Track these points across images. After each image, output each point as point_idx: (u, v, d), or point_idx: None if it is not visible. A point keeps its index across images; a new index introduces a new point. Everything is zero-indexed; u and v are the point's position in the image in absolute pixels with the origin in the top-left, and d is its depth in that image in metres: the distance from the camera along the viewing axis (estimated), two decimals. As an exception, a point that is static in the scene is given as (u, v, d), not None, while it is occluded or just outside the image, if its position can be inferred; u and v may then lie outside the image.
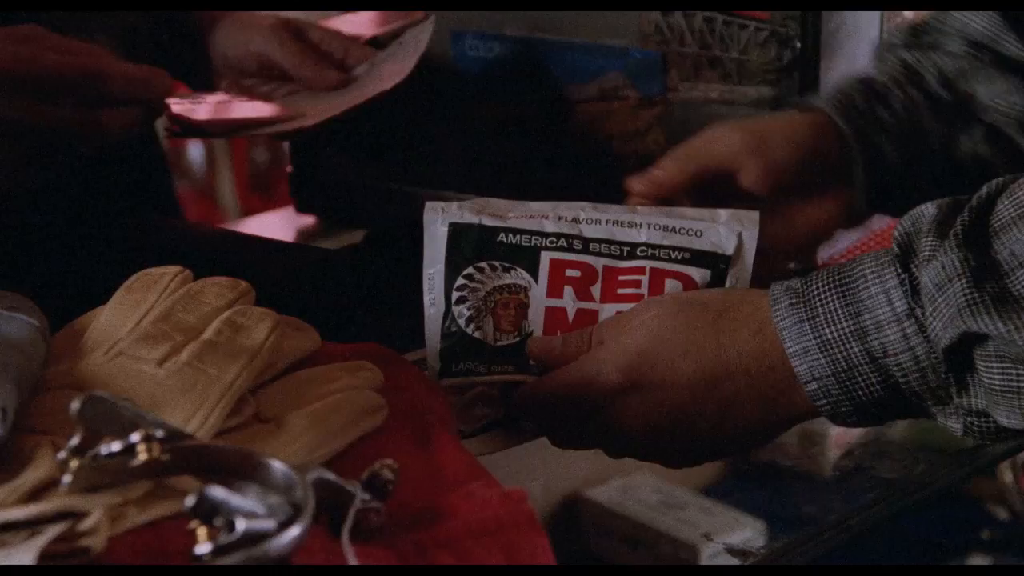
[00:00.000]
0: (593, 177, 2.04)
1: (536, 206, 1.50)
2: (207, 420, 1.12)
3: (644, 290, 1.42)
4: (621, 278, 1.44)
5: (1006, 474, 2.60)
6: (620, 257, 1.45)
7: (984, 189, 1.28)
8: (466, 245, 1.46)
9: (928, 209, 1.30)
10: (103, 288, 1.33)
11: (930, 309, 1.21)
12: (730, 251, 1.43)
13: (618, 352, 1.34)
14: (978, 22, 1.80)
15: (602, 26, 2.01)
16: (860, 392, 1.26)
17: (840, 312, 1.27)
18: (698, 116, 2.00)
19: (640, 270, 1.43)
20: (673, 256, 1.43)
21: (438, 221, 1.47)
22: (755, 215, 1.45)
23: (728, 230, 1.44)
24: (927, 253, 1.24)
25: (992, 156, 1.70)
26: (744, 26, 1.93)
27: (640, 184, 1.64)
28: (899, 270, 1.23)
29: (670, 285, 1.42)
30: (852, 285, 1.27)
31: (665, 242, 1.42)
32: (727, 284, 1.43)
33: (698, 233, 1.44)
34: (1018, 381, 1.21)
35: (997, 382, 1.21)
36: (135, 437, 1.02)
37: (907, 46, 1.78)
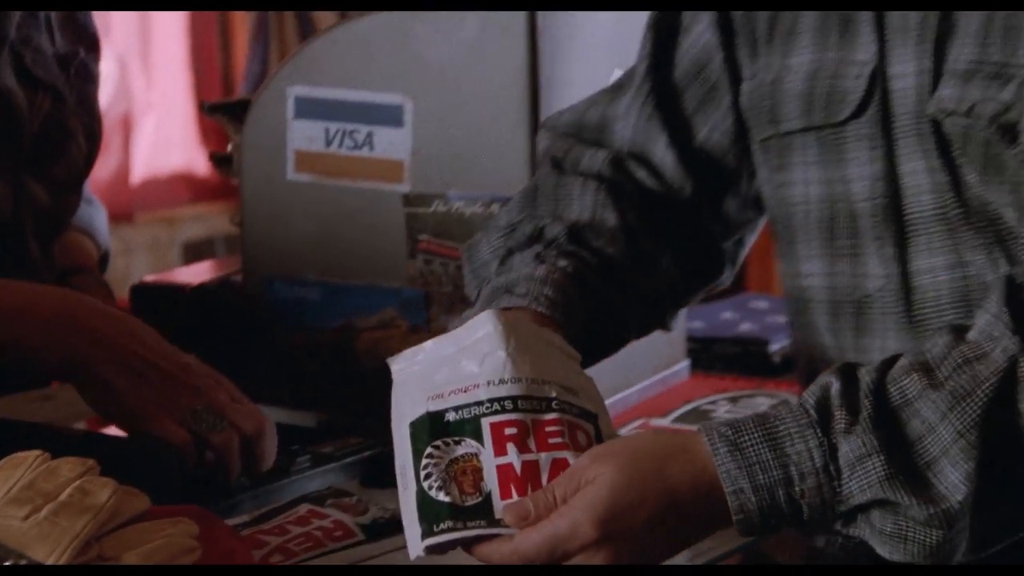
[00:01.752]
0: (377, 391, 2.05)
1: (467, 373, 1.45)
2: (60, 558, 1.21)
3: (567, 439, 1.39)
4: (548, 429, 1.40)
5: None
6: (540, 411, 1.41)
7: (867, 376, 1.36)
8: (422, 434, 1.41)
9: (833, 384, 1.35)
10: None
11: (847, 474, 1.28)
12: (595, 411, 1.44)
13: (586, 509, 1.33)
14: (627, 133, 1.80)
15: (380, 271, 2.03)
16: (775, 520, 1.32)
17: (771, 463, 1.31)
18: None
19: (557, 421, 1.40)
20: (572, 411, 1.41)
21: (403, 425, 1.43)
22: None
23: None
24: (843, 426, 1.30)
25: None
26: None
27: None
28: (819, 433, 1.30)
29: (581, 436, 1.40)
30: (780, 441, 1.32)
31: (566, 398, 1.42)
32: (603, 435, 1.43)
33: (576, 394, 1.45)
34: (907, 531, 1.30)
35: (889, 529, 1.30)
36: (7, 563, 1.14)
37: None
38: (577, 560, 1.33)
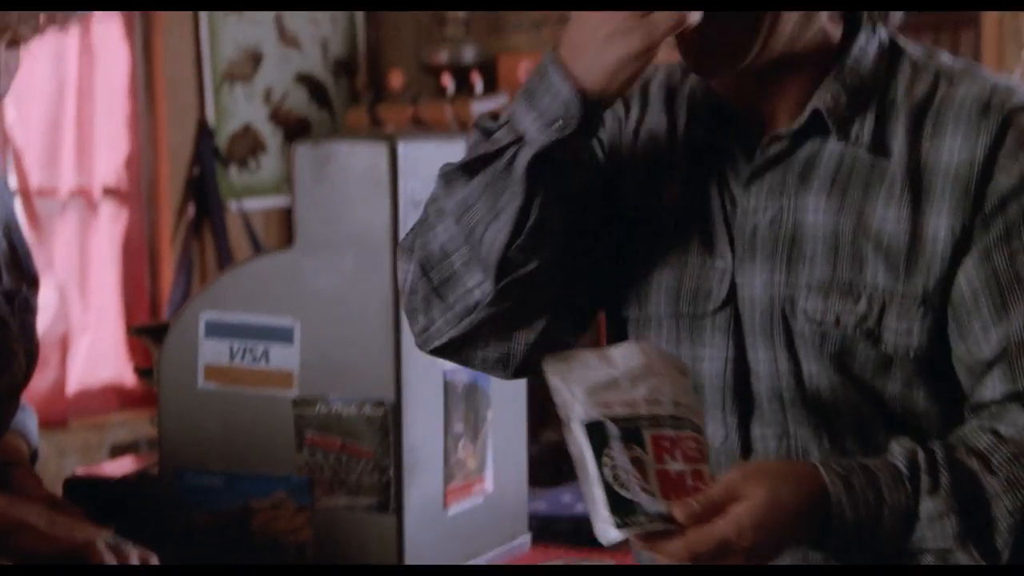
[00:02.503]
0: (271, 560, 2.12)
1: (628, 391, 1.50)
2: None
3: (699, 453, 1.48)
4: (687, 444, 1.47)
5: None
6: (681, 428, 1.48)
7: (940, 452, 1.51)
8: (598, 436, 1.47)
9: (919, 453, 1.51)
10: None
11: (925, 523, 1.47)
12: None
13: (750, 521, 1.43)
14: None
15: (273, 461, 2.12)
16: (855, 543, 1.49)
17: (872, 503, 1.47)
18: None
19: (695, 439, 1.49)
20: (698, 430, 1.49)
21: (576, 422, 1.46)
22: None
23: None
24: (927, 488, 1.48)
25: None
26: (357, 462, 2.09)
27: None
28: (907, 488, 1.47)
29: (704, 449, 1.50)
30: (879, 488, 1.48)
31: (694, 418, 1.51)
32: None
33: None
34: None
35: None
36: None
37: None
38: (730, 560, 1.44)
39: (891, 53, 1.65)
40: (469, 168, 1.58)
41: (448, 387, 2.13)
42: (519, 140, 1.54)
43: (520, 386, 2.32)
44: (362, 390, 2.07)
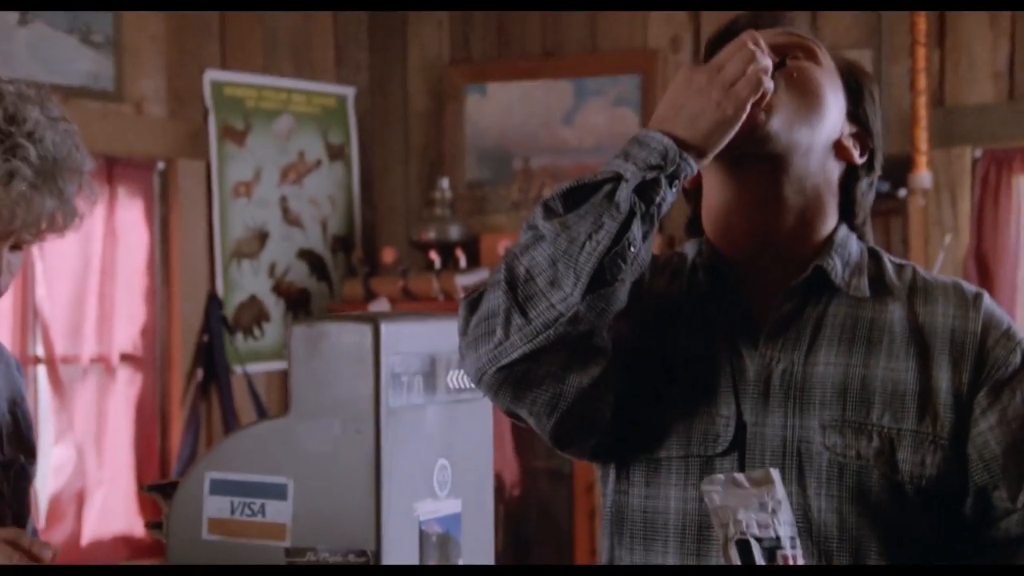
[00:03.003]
0: None
1: (765, 513, 1.53)
2: None
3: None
4: (794, 558, 1.55)
5: None
6: (791, 547, 1.53)
7: None
8: (749, 551, 1.53)
9: None
10: None
11: None
12: None
13: None
14: None
15: None
16: None
17: None
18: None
19: (800, 555, 1.54)
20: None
21: (732, 541, 1.51)
22: None
23: None
24: None
25: None
26: None
27: None
28: None
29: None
30: None
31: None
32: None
33: None
34: None
35: None
36: None
37: None
38: None
39: (872, 252, 1.76)
40: (568, 198, 1.59)
41: (423, 537, 2.13)
42: (617, 178, 1.57)
43: (488, 538, 2.30)
44: (347, 541, 2.05)
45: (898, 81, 4.60)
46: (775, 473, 1.56)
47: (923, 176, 4.47)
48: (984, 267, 4.56)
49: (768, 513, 1.53)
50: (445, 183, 5.20)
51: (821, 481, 1.65)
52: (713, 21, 4.74)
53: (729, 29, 1.74)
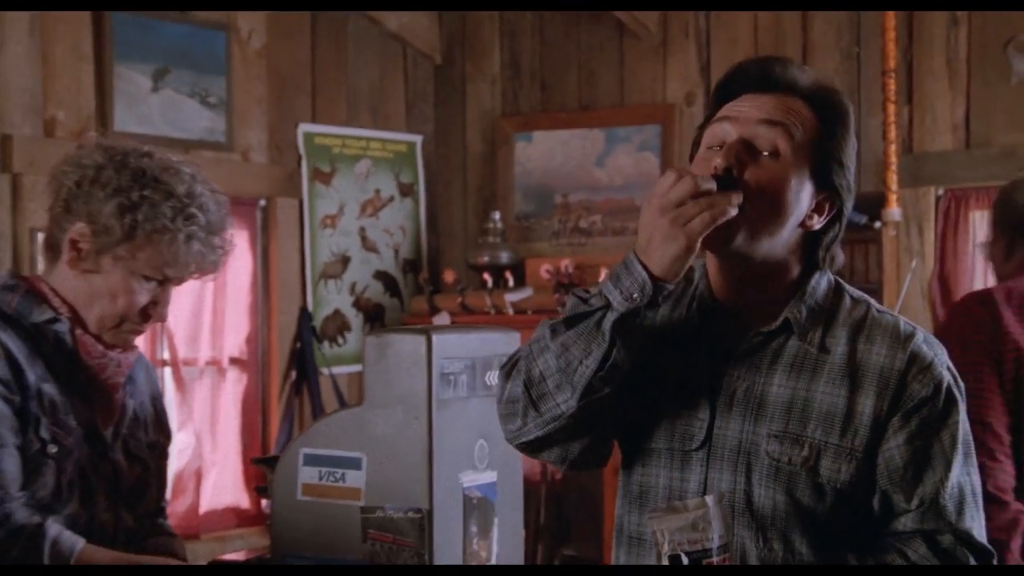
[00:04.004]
0: None
1: (699, 533, 1.53)
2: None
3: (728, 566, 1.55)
4: (723, 562, 1.57)
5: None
6: (719, 554, 1.56)
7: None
8: (680, 566, 1.54)
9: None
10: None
11: None
12: None
13: None
14: None
15: (347, 550, 2.15)
16: None
17: None
18: None
19: (727, 558, 1.55)
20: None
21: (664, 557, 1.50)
22: None
23: None
24: None
25: None
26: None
27: None
28: None
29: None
30: None
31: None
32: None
33: None
34: None
35: None
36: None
37: None
38: None
39: (836, 289, 1.76)
40: (569, 323, 1.66)
41: (466, 500, 2.17)
42: (607, 306, 1.63)
43: (518, 502, 2.32)
44: (407, 501, 2.13)
45: (873, 132, 4.54)
46: (710, 499, 1.58)
47: (894, 211, 4.44)
48: (946, 287, 4.52)
49: (699, 532, 1.54)
50: (497, 215, 5.18)
51: (762, 476, 1.68)
52: (719, 77, 4.96)
53: (734, 77, 1.73)
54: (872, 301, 1.79)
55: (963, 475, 1.70)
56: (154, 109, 4.37)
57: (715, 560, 1.55)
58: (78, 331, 2.09)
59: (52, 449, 2.01)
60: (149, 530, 2.24)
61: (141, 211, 2.02)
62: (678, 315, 1.79)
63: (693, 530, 1.55)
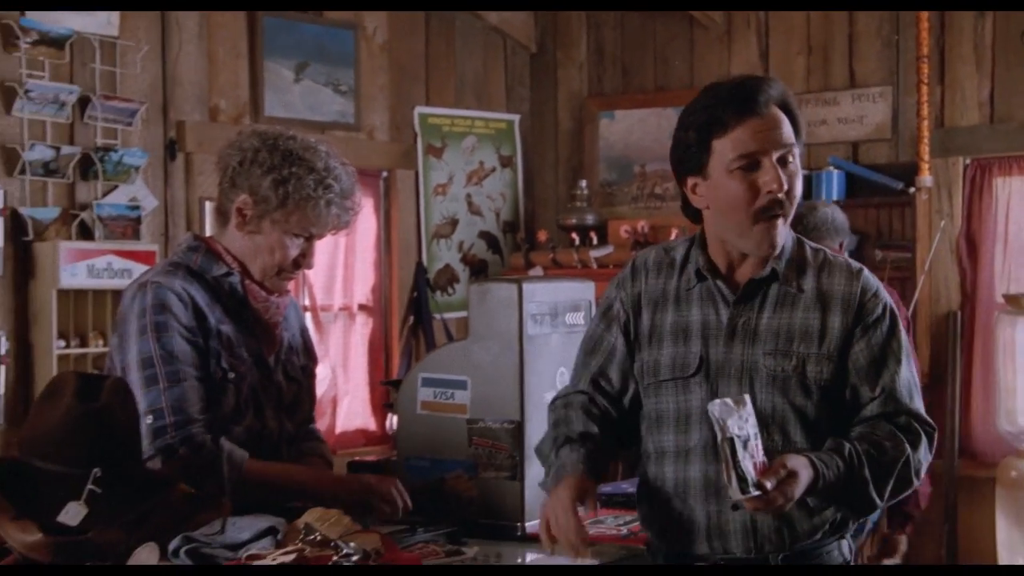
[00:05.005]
0: (454, 508, 2.26)
1: (744, 424, 1.64)
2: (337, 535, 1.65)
3: (763, 452, 1.65)
4: (759, 449, 1.67)
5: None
6: (755, 439, 1.66)
7: (854, 445, 1.71)
8: (737, 447, 1.63)
9: (845, 446, 1.70)
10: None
11: (855, 478, 1.67)
12: None
13: (791, 488, 1.65)
14: None
15: (456, 451, 2.28)
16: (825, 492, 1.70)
17: (836, 473, 1.68)
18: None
19: (761, 445, 1.66)
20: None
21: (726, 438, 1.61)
22: None
23: None
24: (855, 461, 1.69)
25: None
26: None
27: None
28: (844, 461, 1.67)
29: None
30: (839, 464, 1.69)
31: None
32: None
33: None
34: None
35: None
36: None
37: None
38: (784, 504, 1.65)
39: (799, 242, 1.91)
40: (548, 443, 1.92)
41: (549, 413, 2.13)
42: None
43: None
44: (503, 415, 2.26)
45: (909, 109, 4.54)
46: (747, 398, 1.71)
47: (926, 179, 4.45)
48: (972, 244, 4.52)
49: (744, 421, 1.68)
50: (583, 183, 5.14)
51: (762, 385, 1.83)
52: (778, 66, 4.82)
53: (755, 89, 1.80)
54: (826, 249, 1.90)
55: (907, 370, 1.85)
56: (296, 97, 4.46)
57: (753, 444, 1.66)
58: (247, 281, 2.20)
59: (231, 376, 2.14)
60: (304, 435, 2.35)
61: (291, 184, 2.12)
62: (673, 284, 1.90)
63: (740, 419, 1.67)
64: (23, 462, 1.73)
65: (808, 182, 4.65)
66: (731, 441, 1.61)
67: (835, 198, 4.55)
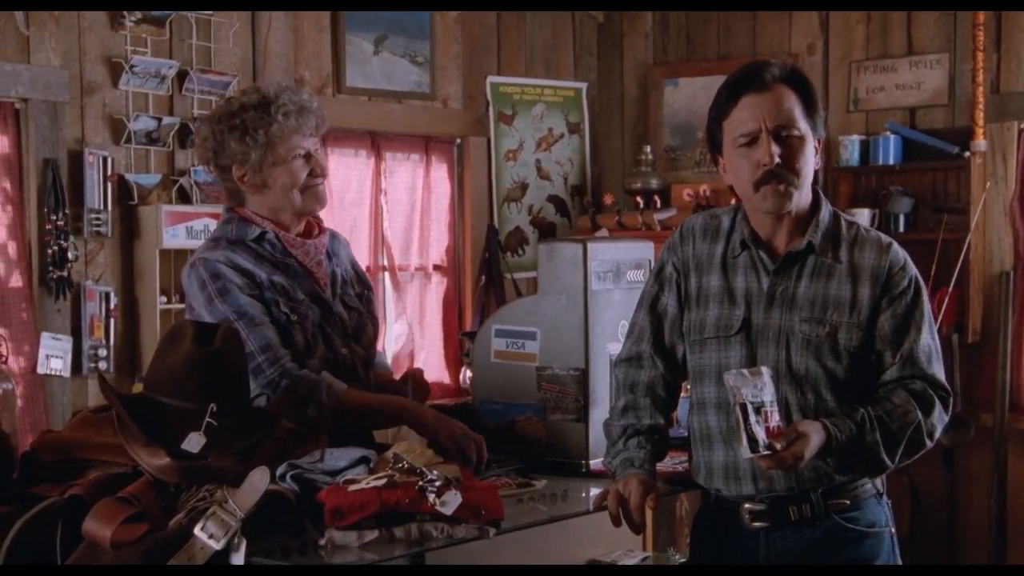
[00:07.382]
0: (524, 448, 2.39)
1: (759, 391, 1.71)
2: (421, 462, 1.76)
3: (777, 415, 1.71)
4: (773, 413, 1.74)
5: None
6: (770, 405, 1.72)
7: (869, 410, 1.77)
8: (748, 411, 1.68)
9: (859, 411, 1.78)
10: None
11: (868, 440, 1.72)
12: None
13: (801, 447, 1.69)
14: None
15: (527, 396, 2.38)
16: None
17: (848, 436, 1.71)
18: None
19: (775, 409, 1.71)
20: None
21: (740, 402, 1.68)
22: None
23: None
24: (868, 426, 1.73)
25: None
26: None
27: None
28: (858, 425, 1.71)
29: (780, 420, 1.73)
30: (852, 428, 1.73)
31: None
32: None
33: None
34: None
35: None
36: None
37: None
38: (796, 464, 1.73)
39: (835, 216, 2.00)
40: (617, 428, 2.02)
41: (611, 362, 2.32)
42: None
43: None
44: (569, 362, 2.36)
45: (965, 76, 4.51)
46: (765, 369, 1.80)
47: (981, 143, 4.44)
48: None
49: (758, 389, 1.77)
50: (648, 148, 5.15)
51: (798, 348, 1.93)
52: (838, 34, 4.86)
53: (754, 72, 1.89)
54: (860, 223, 2.00)
55: (929, 338, 1.95)
56: (375, 68, 4.54)
57: (769, 410, 1.75)
58: (282, 233, 2.30)
59: (294, 317, 2.25)
60: (374, 359, 2.45)
61: (249, 128, 2.22)
62: (720, 249, 2.01)
63: (755, 388, 1.77)
64: (150, 397, 1.89)
65: (866, 147, 4.67)
66: (743, 407, 1.72)
67: (892, 162, 4.60)
